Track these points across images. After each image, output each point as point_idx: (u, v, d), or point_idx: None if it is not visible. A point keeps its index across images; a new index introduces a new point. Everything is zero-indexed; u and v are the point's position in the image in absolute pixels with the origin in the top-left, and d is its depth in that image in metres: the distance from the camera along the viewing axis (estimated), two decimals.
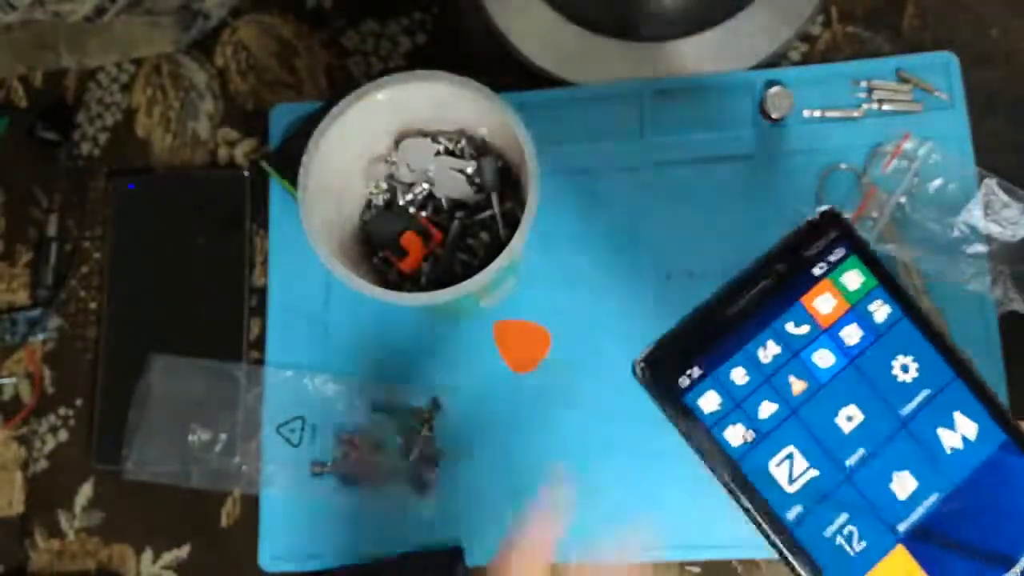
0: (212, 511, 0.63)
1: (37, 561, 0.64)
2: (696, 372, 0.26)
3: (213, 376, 0.63)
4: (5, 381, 0.67)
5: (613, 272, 0.61)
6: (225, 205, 0.67)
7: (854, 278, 0.26)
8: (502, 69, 0.66)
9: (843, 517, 0.24)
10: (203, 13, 0.69)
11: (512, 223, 0.57)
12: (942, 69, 0.61)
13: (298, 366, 0.63)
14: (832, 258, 0.26)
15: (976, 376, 0.26)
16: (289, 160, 0.62)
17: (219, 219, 0.67)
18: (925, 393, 0.25)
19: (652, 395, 0.26)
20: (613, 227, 0.62)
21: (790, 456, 0.24)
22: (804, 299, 0.26)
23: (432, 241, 0.57)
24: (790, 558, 0.24)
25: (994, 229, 0.58)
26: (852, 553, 0.24)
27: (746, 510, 0.24)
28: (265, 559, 0.61)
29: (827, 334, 0.26)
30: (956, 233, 0.58)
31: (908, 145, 0.59)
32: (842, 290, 0.26)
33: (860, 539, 0.24)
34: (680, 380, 0.26)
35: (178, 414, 0.62)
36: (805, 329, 0.26)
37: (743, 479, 0.24)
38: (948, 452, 0.25)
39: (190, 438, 0.62)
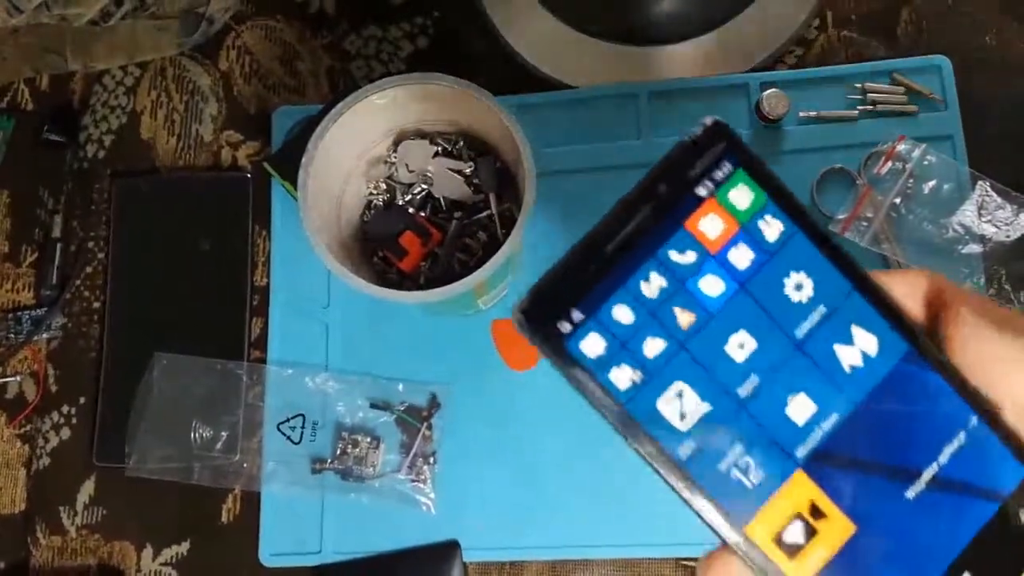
0: (212, 508, 0.64)
1: (39, 557, 0.65)
2: (577, 315, 0.23)
3: (215, 374, 0.64)
4: (10, 379, 0.68)
5: None
6: (228, 206, 0.68)
7: (743, 194, 0.24)
8: (501, 72, 0.66)
9: (738, 449, 0.23)
10: (207, 17, 0.70)
11: (510, 223, 0.58)
12: (935, 72, 0.62)
13: (299, 364, 0.64)
14: (718, 175, 0.24)
15: (876, 286, 0.24)
16: (291, 162, 0.62)
17: (222, 220, 0.68)
18: (821, 310, 0.23)
19: (534, 344, 0.23)
20: None
21: (680, 393, 0.23)
22: (688, 223, 0.24)
23: (431, 241, 0.58)
24: (685, 496, 0.23)
25: (989, 230, 0.59)
26: (749, 484, 0.23)
27: (637, 452, 0.23)
28: (265, 555, 0.62)
29: (715, 259, 0.24)
30: (950, 233, 0.59)
31: (902, 147, 0.60)
32: (730, 209, 0.24)
33: (757, 469, 0.23)
34: (561, 326, 0.23)
35: (180, 412, 0.63)
36: (691, 256, 0.24)
37: (632, 421, 0.23)
38: (847, 370, 0.23)
39: (192, 435, 0.63)
